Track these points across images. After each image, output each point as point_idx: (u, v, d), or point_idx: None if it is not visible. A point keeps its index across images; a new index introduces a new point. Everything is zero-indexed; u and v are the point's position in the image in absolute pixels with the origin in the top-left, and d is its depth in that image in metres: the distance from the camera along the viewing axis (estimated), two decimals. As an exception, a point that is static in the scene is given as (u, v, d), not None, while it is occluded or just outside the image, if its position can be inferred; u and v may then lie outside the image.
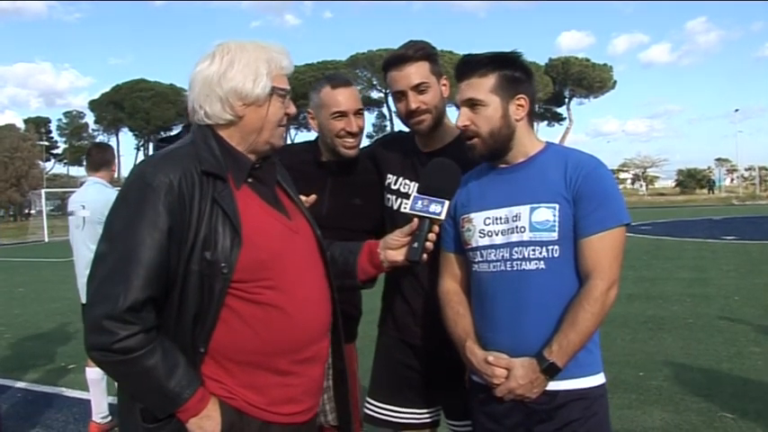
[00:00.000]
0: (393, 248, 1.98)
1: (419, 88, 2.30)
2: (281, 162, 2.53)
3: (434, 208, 1.91)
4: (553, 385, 1.90)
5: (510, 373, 1.90)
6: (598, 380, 1.97)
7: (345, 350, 2.55)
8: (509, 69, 1.99)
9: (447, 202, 1.93)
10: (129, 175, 1.66)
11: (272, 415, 1.70)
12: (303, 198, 2.10)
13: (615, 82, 71.58)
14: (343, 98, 2.43)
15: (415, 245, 1.91)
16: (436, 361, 2.35)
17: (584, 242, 1.91)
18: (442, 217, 1.92)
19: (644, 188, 68.24)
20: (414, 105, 2.31)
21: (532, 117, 2.06)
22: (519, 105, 2.00)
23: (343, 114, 2.42)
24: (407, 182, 2.42)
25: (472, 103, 1.98)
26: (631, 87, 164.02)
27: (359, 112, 2.46)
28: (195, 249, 1.59)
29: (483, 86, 1.97)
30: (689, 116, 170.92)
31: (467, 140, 2.03)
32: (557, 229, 1.91)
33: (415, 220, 1.93)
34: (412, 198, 1.96)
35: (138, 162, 1.71)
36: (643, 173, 73.83)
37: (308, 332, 1.74)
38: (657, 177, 78.10)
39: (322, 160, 2.55)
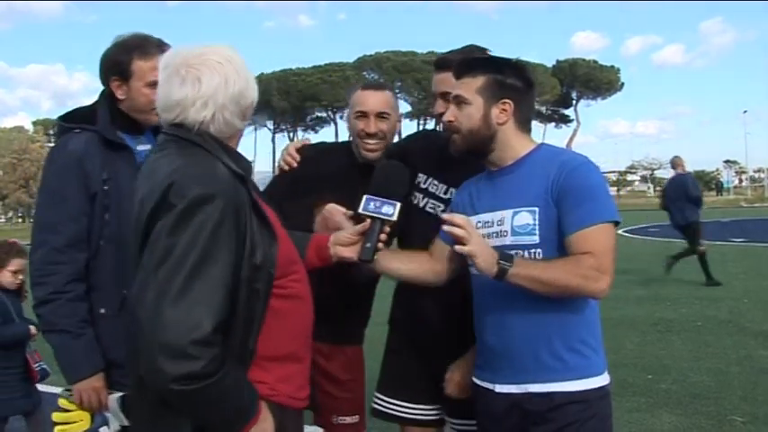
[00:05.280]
0: (344, 245, 2.03)
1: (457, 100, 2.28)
2: (316, 160, 2.51)
3: (386, 209, 1.96)
4: (548, 387, 1.91)
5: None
6: (596, 382, 1.96)
7: (350, 353, 2.56)
8: (500, 74, 2.00)
9: (399, 204, 1.98)
10: (176, 197, 1.50)
11: (297, 401, 1.75)
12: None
13: (622, 84, 71.61)
14: (367, 99, 2.43)
15: (368, 245, 1.96)
16: (444, 359, 2.34)
17: (571, 238, 1.87)
18: (395, 218, 1.97)
19: (651, 190, 67.98)
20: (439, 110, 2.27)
21: (524, 122, 2.05)
22: (502, 110, 2.00)
23: (363, 114, 2.42)
24: (436, 182, 2.41)
25: (458, 100, 2.03)
26: (643, 89, 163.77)
27: (382, 115, 2.43)
28: (245, 256, 1.57)
29: (471, 86, 2.01)
30: (699, 118, 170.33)
31: (450, 134, 2.07)
32: (537, 231, 1.92)
33: (368, 220, 1.97)
34: (364, 199, 1.99)
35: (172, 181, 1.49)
36: (651, 174, 73.60)
37: (313, 315, 1.81)
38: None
39: (355, 161, 2.53)
